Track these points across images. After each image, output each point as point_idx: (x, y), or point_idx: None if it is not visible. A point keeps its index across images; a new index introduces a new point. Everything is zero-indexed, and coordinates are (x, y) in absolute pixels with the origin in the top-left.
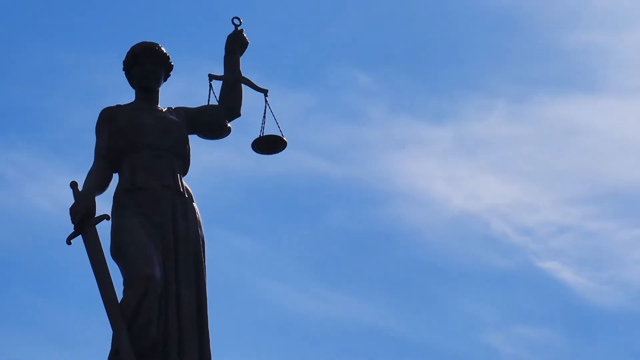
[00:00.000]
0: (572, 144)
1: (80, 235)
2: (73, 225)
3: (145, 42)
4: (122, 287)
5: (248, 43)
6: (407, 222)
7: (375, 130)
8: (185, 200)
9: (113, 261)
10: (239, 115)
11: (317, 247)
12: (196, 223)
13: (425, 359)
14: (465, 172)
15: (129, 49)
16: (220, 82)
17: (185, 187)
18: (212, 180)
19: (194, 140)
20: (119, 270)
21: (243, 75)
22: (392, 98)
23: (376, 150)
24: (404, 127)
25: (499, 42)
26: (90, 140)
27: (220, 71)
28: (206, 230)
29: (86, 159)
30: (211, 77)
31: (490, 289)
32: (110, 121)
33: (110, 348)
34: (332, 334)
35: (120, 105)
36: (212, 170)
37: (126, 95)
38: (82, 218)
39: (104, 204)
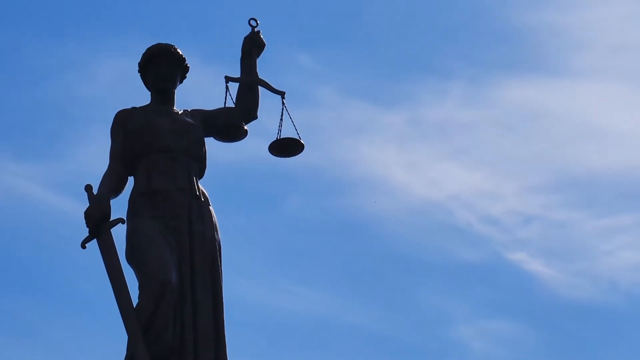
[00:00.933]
0: (532, 129)
1: (95, 240)
2: (88, 229)
3: (161, 43)
4: (138, 292)
5: (265, 44)
6: (368, 212)
7: (328, 114)
8: (201, 204)
9: (128, 265)
10: (255, 117)
11: (276, 237)
12: (212, 227)
13: (393, 353)
14: (424, 159)
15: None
16: (237, 84)
17: (202, 191)
18: None
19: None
20: (134, 274)
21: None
22: (341, 81)
23: (331, 135)
24: (357, 111)
25: (451, 22)
26: (32, 124)
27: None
28: None
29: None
30: (227, 79)
31: (458, 281)
32: (124, 124)
33: (125, 353)
34: (293, 328)
35: (135, 107)
36: None
37: (62, 78)
38: (97, 222)
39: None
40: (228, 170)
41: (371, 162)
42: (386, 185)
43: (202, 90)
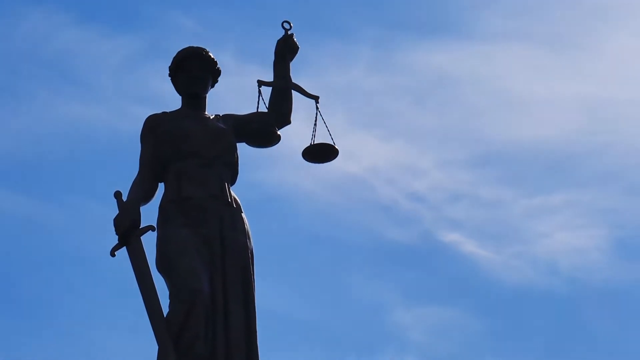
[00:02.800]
0: (446, 97)
1: (124, 247)
2: (117, 236)
3: (192, 46)
4: (168, 302)
5: (298, 48)
6: (287, 188)
7: (226, 81)
8: (233, 211)
9: (158, 274)
10: (289, 122)
11: None
12: (245, 234)
13: (323, 344)
14: (334, 129)
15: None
16: (270, 88)
17: (234, 197)
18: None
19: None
20: (164, 283)
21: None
22: (232, 45)
23: (233, 104)
24: (256, 78)
25: None
26: None
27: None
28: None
29: None
30: (260, 83)
31: (389, 264)
32: (155, 129)
33: None
34: None
35: (165, 112)
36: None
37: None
38: (127, 229)
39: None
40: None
41: (282, 134)
42: (300, 158)
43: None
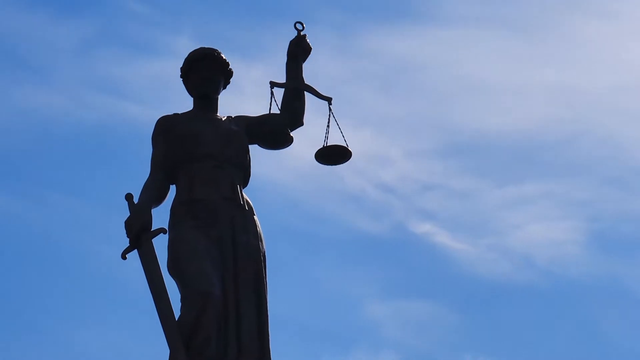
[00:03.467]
0: (411, 84)
1: (135, 250)
2: (128, 239)
3: (204, 47)
4: (180, 304)
5: (311, 49)
6: (253, 177)
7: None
8: (245, 213)
9: (170, 277)
10: (301, 124)
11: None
12: (257, 237)
13: (294, 338)
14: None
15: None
16: (282, 89)
17: (246, 200)
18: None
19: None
20: (176, 286)
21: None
22: (189, 28)
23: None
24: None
25: None
26: None
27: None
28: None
29: None
30: (272, 84)
31: (360, 256)
32: (166, 131)
33: None
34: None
35: (177, 113)
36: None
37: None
38: (138, 232)
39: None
40: (93, 133)
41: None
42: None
43: None
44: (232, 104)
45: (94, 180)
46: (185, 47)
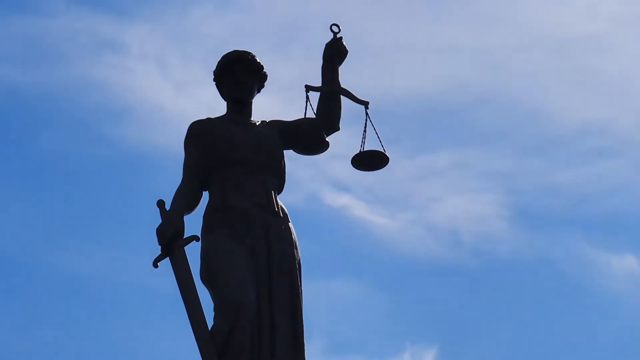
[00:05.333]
0: (307, 43)
1: (167, 258)
2: (160, 247)
3: (237, 50)
4: (213, 314)
5: (347, 51)
6: (148, 147)
7: (58, 26)
8: (279, 220)
9: (203, 285)
10: (337, 129)
11: (34, 177)
12: (292, 245)
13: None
14: (187, 79)
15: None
16: (318, 93)
17: (280, 206)
18: None
19: None
20: (209, 295)
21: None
22: None
23: (64, 46)
24: (94, 23)
25: None
26: None
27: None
28: None
29: None
30: (308, 88)
31: None
32: (199, 136)
33: None
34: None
35: (210, 118)
36: None
37: None
38: (170, 239)
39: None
40: None
41: (131, 85)
42: (160, 113)
43: None
44: (122, 73)
45: None
46: (61, 9)
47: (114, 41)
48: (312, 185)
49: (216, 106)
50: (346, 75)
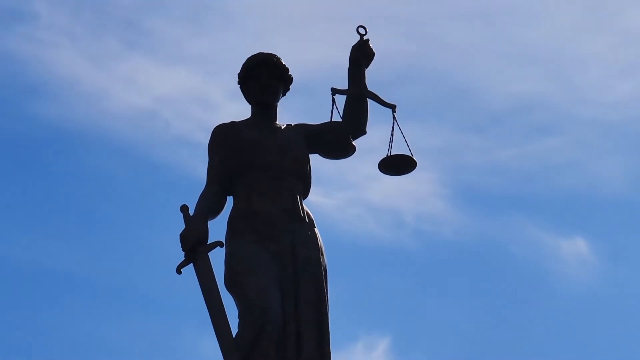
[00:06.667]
0: (220, 18)
1: (191, 264)
2: (183, 253)
3: (262, 53)
4: (237, 321)
5: (374, 54)
6: (68, 124)
7: None
8: (305, 226)
9: (227, 292)
10: (364, 133)
11: None
12: (318, 250)
13: (159, 315)
14: (108, 52)
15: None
16: (344, 96)
17: (306, 212)
18: None
19: None
20: (233, 302)
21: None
22: None
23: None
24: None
25: None
26: None
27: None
28: None
29: None
30: (334, 91)
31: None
32: (224, 139)
33: None
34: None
35: (234, 121)
36: None
37: None
38: (193, 245)
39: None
40: None
41: (43, 58)
42: (75, 88)
43: None
44: (37, 46)
45: None
46: None
47: (21, 10)
48: None
49: (136, 78)
50: (263, 47)
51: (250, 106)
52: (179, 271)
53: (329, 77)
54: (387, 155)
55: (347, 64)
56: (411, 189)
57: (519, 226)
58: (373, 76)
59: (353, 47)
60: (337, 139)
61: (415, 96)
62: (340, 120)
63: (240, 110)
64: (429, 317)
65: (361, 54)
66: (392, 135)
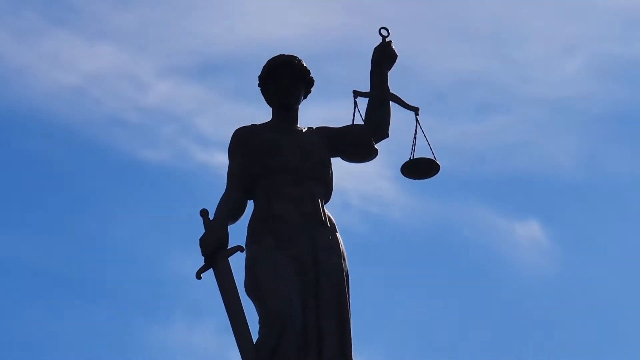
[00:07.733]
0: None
1: (211, 269)
2: (203, 257)
3: (283, 55)
4: (258, 327)
5: (397, 56)
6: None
7: None
8: (327, 231)
9: (247, 297)
10: (386, 135)
11: None
12: (340, 255)
13: (106, 303)
14: (23, 27)
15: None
16: (366, 99)
17: (327, 216)
18: None
19: None
20: (254, 307)
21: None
22: None
23: None
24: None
25: None
26: None
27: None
28: None
29: None
30: (356, 93)
31: (150, 191)
32: (244, 143)
33: None
34: None
35: (255, 124)
36: None
37: None
38: (213, 250)
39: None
40: None
41: None
42: (27, 72)
43: None
44: None
45: None
46: None
47: None
48: (182, 144)
49: (61, 56)
50: (188, 24)
51: (265, 109)
52: (198, 276)
53: (260, 53)
54: (410, 158)
55: (276, 40)
56: (356, 169)
57: (470, 209)
58: (306, 50)
59: (375, 48)
60: (360, 142)
61: (354, 72)
62: (362, 123)
63: (171, 89)
64: (378, 302)
65: (383, 56)
66: (414, 138)
